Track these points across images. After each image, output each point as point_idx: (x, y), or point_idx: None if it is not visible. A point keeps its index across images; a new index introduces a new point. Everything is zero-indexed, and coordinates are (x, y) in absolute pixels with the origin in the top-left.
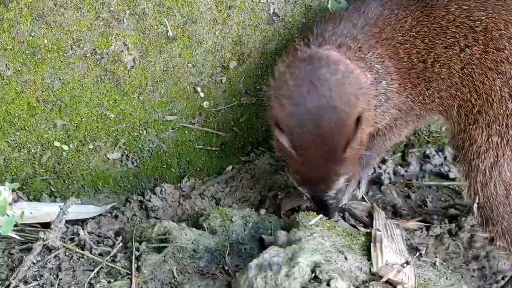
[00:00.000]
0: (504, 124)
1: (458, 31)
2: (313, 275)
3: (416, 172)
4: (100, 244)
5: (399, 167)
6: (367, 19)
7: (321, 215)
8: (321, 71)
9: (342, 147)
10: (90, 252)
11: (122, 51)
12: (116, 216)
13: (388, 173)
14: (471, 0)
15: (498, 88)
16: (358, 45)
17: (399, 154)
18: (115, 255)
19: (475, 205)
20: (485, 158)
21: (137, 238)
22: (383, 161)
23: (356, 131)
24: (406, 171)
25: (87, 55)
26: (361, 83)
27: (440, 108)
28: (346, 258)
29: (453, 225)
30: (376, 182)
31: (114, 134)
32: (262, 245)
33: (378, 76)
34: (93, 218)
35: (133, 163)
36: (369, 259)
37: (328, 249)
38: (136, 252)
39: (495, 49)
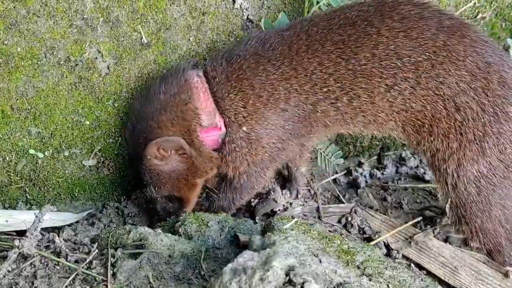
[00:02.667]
0: (458, 133)
1: (385, 72)
2: (287, 278)
3: (392, 174)
4: (75, 251)
5: (375, 170)
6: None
7: (295, 219)
8: (161, 88)
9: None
10: (66, 259)
11: (96, 58)
12: (92, 223)
13: (365, 176)
14: (398, 39)
15: (442, 107)
16: (228, 80)
17: (375, 157)
18: (90, 262)
19: (448, 206)
20: (451, 163)
21: (113, 245)
22: (359, 164)
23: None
24: (382, 173)
25: (61, 63)
26: (188, 118)
27: (375, 130)
28: (320, 261)
29: (428, 226)
30: (352, 185)
31: (90, 141)
32: (238, 247)
33: (235, 120)
34: (69, 225)
35: (109, 169)
36: (344, 262)
37: (302, 252)
38: (112, 259)
39: (429, 78)
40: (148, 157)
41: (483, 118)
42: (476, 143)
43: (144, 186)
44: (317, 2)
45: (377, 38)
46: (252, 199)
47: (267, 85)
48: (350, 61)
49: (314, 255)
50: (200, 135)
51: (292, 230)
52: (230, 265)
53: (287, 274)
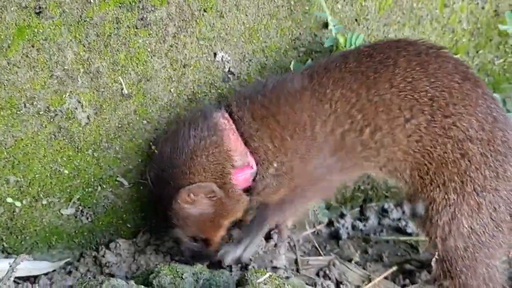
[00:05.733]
0: (460, 182)
1: (403, 103)
2: None
3: (374, 226)
4: None
5: (357, 221)
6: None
7: (269, 273)
8: (191, 132)
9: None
10: None
11: (76, 108)
12: (69, 272)
13: (347, 228)
14: (414, 71)
15: (450, 150)
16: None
17: (358, 209)
18: None
19: (434, 259)
20: (444, 214)
21: None
22: (341, 216)
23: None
24: (364, 225)
25: (40, 113)
26: (221, 161)
27: (389, 172)
28: None
29: (407, 280)
30: (334, 236)
31: (68, 190)
32: None
33: (265, 157)
34: (46, 274)
35: (87, 218)
36: None
37: None
38: None
39: (443, 117)
40: (179, 201)
41: (484, 172)
42: (474, 198)
43: (168, 227)
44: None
45: (394, 69)
46: None
47: (292, 118)
48: (370, 92)
49: None
50: (234, 177)
51: (265, 284)
52: None
53: None
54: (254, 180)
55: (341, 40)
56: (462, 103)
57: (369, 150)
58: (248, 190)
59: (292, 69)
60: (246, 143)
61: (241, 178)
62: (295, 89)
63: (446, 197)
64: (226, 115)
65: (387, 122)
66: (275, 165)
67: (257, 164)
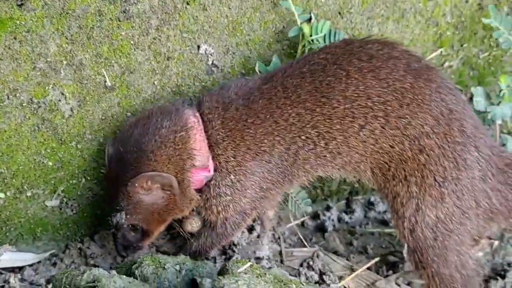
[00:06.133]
0: (420, 176)
1: (357, 112)
2: None
3: (360, 219)
4: None
5: (343, 214)
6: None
7: (249, 263)
8: (164, 123)
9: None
10: None
11: (59, 100)
12: (54, 263)
13: (332, 220)
14: (366, 79)
15: (408, 148)
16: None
17: (344, 202)
18: None
19: (405, 250)
20: (409, 207)
21: (67, 286)
22: (328, 208)
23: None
24: (350, 218)
25: (23, 104)
26: (184, 157)
27: (349, 172)
28: None
29: (390, 271)
30: (320, 229)
31: (53, 182)
32: None
33: (225, 167)
34: (31, 265)
35: (72, 210)
36: None
37: None
38: None
39: (397, 118)
40: (136, 185)
41: (444, 163)
42: (436, 188)
43: (114, 211)
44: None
45: (346, 80)
46: None
47: (256, 139)
48: (324, 107)
49: None
50: (191, 175)
51: (246, 273)
52: None
53: None
54: (206, 184)
55: (306, 30)
56: (415, 102)
57: (324, 158)
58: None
59: (257, 70)
60: (210, 147)
61: (196, 178)
62: (259, 108)
63: (408, 190)
64: (197, 114)
65: (341, 132)
66: (231, 177)
67: (215, 171)
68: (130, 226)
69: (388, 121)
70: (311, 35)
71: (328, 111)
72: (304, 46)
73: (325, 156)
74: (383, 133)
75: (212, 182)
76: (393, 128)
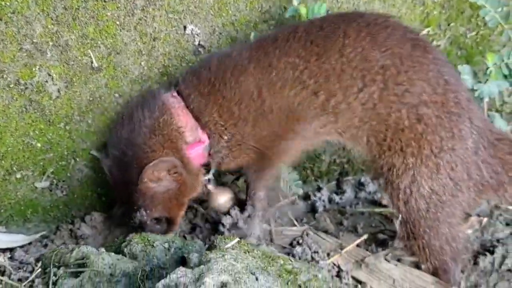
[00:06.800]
0: (417, 146)
1: (355, 73)
2: None
3: (350, 199)
4: (20, 270)
5: (334, 194)
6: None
7: (237, 239)
8: (145, 113)
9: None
10: (9, 278)
11: (46, 81)
12: (45, 245)
13: (323, 201)
14: (364, 41)
15: (405, 116)
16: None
17: (334, 182)
18: (33, 281)
19: (398, 221)
20: (404, 178)
21: (56, 264)
22: (318, 189)
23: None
24: (341, 198)
25: (10, 86)
26: (174, 138)
27: (348, 139)
28: (257, 279)
29: (379, 249)
30: (311, 209)
31: (42, 163)
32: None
33: (215, 131)
34: (21, 246)
35: (62, 191)
36: (285, 281)
37: (238, 270)
38: (54, 277)
39: (395, 84)
40: (145, 180)
41: (441, 133)
42: (432, 159)
43: (133, 212)
44: None
45: (344, 40)
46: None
47: (236, 89)
48: (320, 59)
49: (251, 273)
50: (187, 152)
51: (233, 249)
52: (162, 281)
53: None
54: (210, 154)
55: (303, 10)
56: (413, 69)
57: (326, 115)
58: (207, 165)
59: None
60: (196, 119)
61: (193, 154)
62: (240, 61)
63: (405, 161)
64: (175, 93)
65: (340, 90)
66: (225, 137)
67: (209, 138)
68: (153, 220)
69: (386, 86)
70: (307, 16)
71: (323, 64)
72: None
73: (328, 112)
74: (381, 98)
75: (212, 151)
76: (391, 94)
